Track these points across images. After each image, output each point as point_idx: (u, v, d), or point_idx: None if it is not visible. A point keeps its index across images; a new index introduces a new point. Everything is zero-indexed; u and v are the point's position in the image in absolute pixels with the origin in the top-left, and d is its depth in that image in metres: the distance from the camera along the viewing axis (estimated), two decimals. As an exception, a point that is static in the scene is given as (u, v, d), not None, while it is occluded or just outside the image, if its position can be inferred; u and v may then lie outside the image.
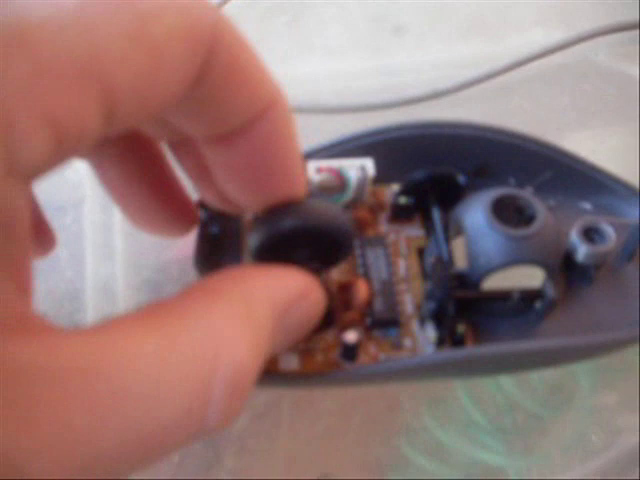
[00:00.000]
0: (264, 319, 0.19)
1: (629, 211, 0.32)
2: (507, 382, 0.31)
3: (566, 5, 0.46)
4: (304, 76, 0.41)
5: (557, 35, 0.43)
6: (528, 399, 0.31)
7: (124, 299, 0.32)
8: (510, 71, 0.41)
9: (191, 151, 0.23)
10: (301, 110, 0.38)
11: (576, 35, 0.43)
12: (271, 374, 0.28)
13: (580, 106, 0.41)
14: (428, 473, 0.29)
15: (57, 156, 0.15)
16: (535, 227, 0.28)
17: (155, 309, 0.17)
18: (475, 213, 0.29)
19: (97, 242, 0.33)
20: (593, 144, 0.40)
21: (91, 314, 0.31)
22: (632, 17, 0.44)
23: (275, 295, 0.20)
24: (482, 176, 0.32)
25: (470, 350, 0.28)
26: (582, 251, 0.30)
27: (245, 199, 0.22)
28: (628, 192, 0.32)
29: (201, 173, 0.23)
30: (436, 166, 0.31)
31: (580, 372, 0.32)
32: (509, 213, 0.29)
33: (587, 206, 0.33)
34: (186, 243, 0.29)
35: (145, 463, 0.15)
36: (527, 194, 0.29)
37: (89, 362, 0.14)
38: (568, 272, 0.31)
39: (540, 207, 0.29)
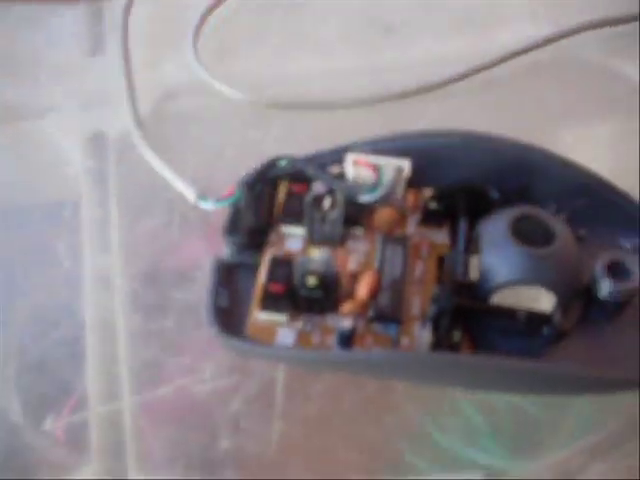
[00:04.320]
0: None
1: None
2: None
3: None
4: (296, 73, 0.42)
5: (546, 30, 0.42)
6: (529, 402, 0.31)
7: (120, 289, 0.33)
8: (498, 65, 0.41)
9: None
10: (292, 106, 0.39)
11: (563, 30, 0.42)
12: (267, 345, 0.29)
13: (567, 100, 0.40)
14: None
15: None
16: (550, 250, 0.28)
17: None
18: (495, 226, 0.29)
19: (94, 235, 0.35)
20: (579, 138, 0.39)
21: (89, 303, 0.33)
22: (618, 12, 0.43)
23: None
24: (523, 196, 0.32)
25: (449, 356, 0.28)
26: (604, 286, 0.29)
27: None
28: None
29: None
30: (478, 177, 0.32)
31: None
32: (535, 234, 0.29)
33: (627, 245, 0.32)
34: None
35: None
36: (549, 216, 0.29)
37: None
38: (589, 305, 0.30)
39: (561, 232, 0.29)
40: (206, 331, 0.29)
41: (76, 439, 0.30)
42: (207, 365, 0.31)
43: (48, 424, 0.30)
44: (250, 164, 0.32)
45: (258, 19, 0.44)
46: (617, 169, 0.37)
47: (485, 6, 0.45)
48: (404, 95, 0.39)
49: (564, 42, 0.42)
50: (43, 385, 0.31)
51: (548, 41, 0.41)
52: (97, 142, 0.38)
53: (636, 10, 0.43)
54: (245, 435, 0.29)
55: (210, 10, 0.42)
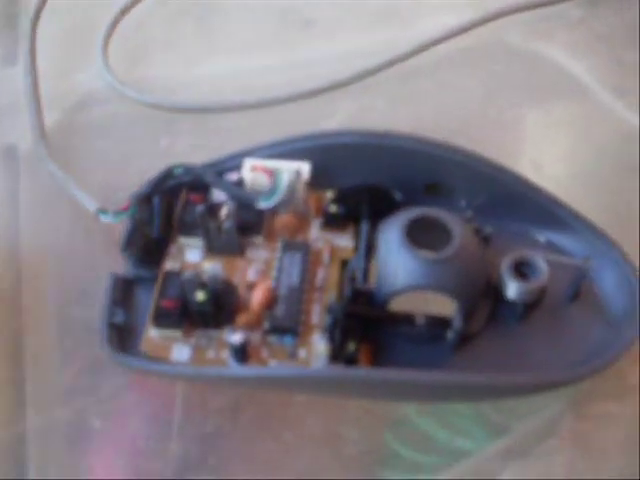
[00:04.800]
0: None
1: (582, 250, 0.30)
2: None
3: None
4: (210, 75, 0.41)
5: (470, 19, 0.40)
6: None
7: (26, 309, 0.33)
8: (416, 55, 0.39)
9: None
10: (204, 110, 0.38)
11: (484, 15, 0.40)
12: (161, 362, 0.28)
13: (488, 87, 0.39)
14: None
15: None
16: (446, 252, 0.27)
17: None
18: (390, 231, 0.28)
19: (4, 252, 0.35)
20: (501, 125, 0.38)
21: None
22: None
23: None
24: (433, 194, 0.31)
25: (340, 370, 0.27)
26: (510, 287, 0.28)
27: None
28: (583, 229, 0.30)
29: None
30: (383, 177, 0.31)
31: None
32: (431, 237, 0.28)
33: (541, 238, 0.31)
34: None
35: None
36: (448, 216, 0.28)
37: None
38: (498, 305, 0.29)
39: (460, 233, 0.27)
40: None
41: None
42: (107, 384, 0.30)
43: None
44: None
45: (170, 24, 0.43)
46: (543, 157, 0.36)
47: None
48: (320, 91, 0.38)
49: (486, 28, 0.41)
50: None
51: (466, 28, 0.40)
52: (8, 156, 0.37)
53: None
54: (143, 455, 0.29)
55: (121, 16, 0.41)
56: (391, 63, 0.39)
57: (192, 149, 0.35)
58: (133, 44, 0.41)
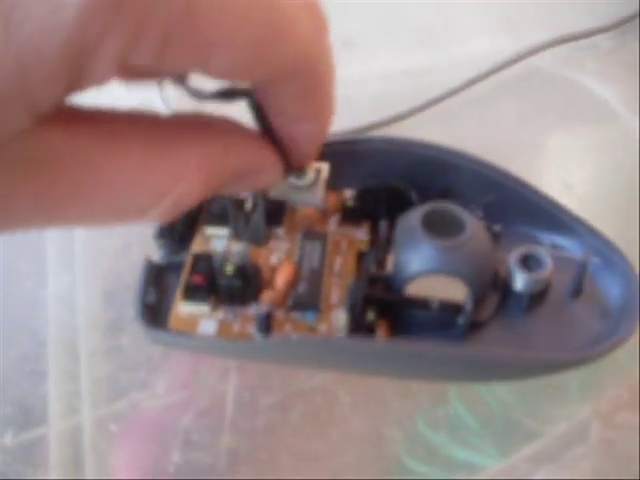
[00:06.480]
0: (218, 170, 0.23)
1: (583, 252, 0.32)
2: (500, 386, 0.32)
3: (511, 15, 0.47)
4: None
5: (502, 43, 0.44)
6: (520, 403, 0.31)
7: (81, 307, 0.34)
8: (467, 88, 0.42)
9: None
10: None
11: (525, 48, 0.44)
12: (189, 335, 0.30)
13: (523, 111, 0.42)
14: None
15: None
16: (458, 240, 0.29)
17: (145, 127, 0.21)
18: (408, 221, 0.30)
19: (57, 254, 0.37)
20: (534, 147, 0.40)
21: (52, 323, 0.34)
22: (576, 27, 0.45)
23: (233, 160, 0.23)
24: (445, 197, 0.33)
25: (363, 340, 0.29)
26: (518, 278, 0.30)
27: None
28: (584, 232, 0.32)
29: None
30: (403, 181, 0.33)
31: (572, 376, 0.31)
32: (445, 226, 0.30)
33: (545, 240, 0.33)
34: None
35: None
36: (461, 210, 0.30)
37: (85, 156, 0.19)
38: (506, 297, 0.31)
39: (472, 223, 0.29)
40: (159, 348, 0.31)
41: (35, 455, 0.30)
42: (160, 380, 0.31)
43: (8, 440, 0.30)
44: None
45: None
46: (572, 178, 0.39)
47: (443, 22, 0.47)
48: (370, 128, 0.40)
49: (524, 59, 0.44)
50: (3, 401, 0.31)
51: (507, 63, 0.43)
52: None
53: (592, 25, 0.45)
54: (196, 448, 0.30)
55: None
56: (439, 99, 0.42)
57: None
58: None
